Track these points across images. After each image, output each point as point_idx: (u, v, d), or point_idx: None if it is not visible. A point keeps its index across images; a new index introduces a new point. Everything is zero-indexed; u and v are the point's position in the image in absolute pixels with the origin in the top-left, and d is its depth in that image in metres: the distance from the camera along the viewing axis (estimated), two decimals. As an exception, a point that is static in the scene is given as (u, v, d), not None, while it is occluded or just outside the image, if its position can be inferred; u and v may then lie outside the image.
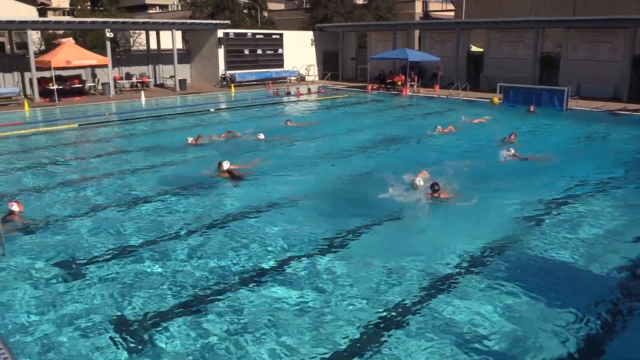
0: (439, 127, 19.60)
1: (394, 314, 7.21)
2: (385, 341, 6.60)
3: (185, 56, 38.97)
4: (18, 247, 9.37)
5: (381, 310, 7.27)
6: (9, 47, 35.22)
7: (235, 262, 8.83)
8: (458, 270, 8.49)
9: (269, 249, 9.31)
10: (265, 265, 8.66)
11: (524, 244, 9.56)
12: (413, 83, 34.04)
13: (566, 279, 8.34)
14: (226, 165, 13.51)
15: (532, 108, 24.88)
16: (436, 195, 11.25)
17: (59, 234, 10.04)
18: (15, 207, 10.30)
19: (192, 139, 17.88)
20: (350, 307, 7.37)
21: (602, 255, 9.05)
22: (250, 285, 8.01)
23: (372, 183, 12.72)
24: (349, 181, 13.71)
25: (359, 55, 42.40)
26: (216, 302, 7.55)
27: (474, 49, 37.44)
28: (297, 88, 34.67)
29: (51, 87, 29.32)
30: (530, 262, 8.83)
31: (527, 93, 26.68)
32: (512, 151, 15.43)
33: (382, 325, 6.95)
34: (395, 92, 33.46)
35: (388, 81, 35.27)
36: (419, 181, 11.79)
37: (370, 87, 34.97)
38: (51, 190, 13.10)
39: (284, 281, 8.09)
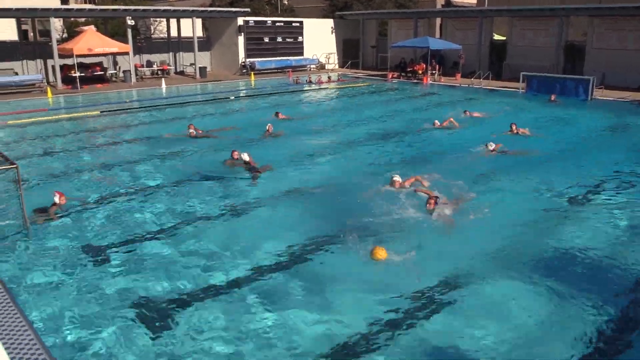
0: (437, 121, 18.83)
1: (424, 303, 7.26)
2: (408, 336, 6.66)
3: (205, 44, 39.12)
4: (42, 229, 9.60)
5: (395, 309, 7.29)
6: (32, 34, 35.65)
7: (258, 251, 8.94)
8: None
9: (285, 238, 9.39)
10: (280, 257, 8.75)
11: (538, 242, 9.43)
12: (434, 72, 33.75)
13: (590, 275, 8.28)
14: (246, 156, 13.58)
15: (553, 97, 24.54)
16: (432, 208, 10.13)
17: (79, 219, 10.26)
18: (57, 199, 10.36)
19: (192, 129, 17.55)
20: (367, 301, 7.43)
21: (625, 250, 8.95)
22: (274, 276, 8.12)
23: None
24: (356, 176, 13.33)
25: (380, 44, 42.12)
26: (241, 290, 7.67)
27: (496, 37, 36.97)
28: (319, 76, 34.61)
29: (73, 75, 29.69)
30: (546, 262, 8.77)
31: (550, 82, 26.31)
32: (493, 146, 14.89)
33: (398, 324, 7.00)
34: (415, 81, 33.22)
35: (409, 69, 35.02)
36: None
37: (390, 76, 34.76)
38: (73, 177, 13.35)
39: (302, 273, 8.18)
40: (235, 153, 13.93)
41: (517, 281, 7.81)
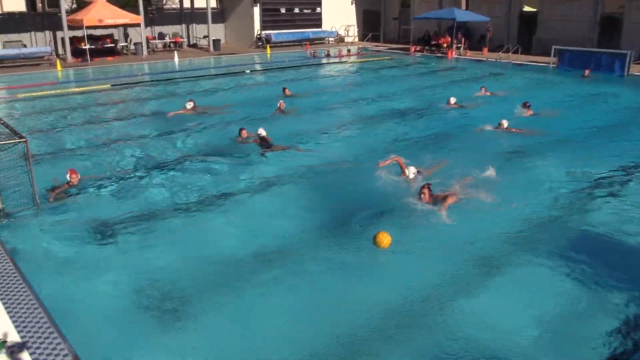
0: (452, 98, 18.23)
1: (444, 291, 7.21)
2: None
3: (220, 15, 38.88)
4: (52, 206, 9.71)
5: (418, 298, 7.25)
6: (40, 5, 35.72)
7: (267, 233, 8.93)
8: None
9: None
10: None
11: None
12: (460, 45, 33.22)
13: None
14: (263, 132, 13.52)
15: (586, 73, 24.02)
16: (426, 197, 9.54)
17: (89, 197, 10.35)
18: (69, 177, 10.34)
19: (191, 104, 17.34)
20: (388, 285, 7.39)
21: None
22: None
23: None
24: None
25: (402, 15, 41.47)
26: (254, 272, 7.68)
27: (526, 8, 36.11)
28: (340, 50, 34.28)
29: (83, 47, 29.79)
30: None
31: (584, 57, 25.71)
32: (505, 124, 14.68)
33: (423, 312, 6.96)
34: (440, 55, 32.76)
35: (433, 43, 34.53)
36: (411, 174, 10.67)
37: (413, 49, 34.30)
38: (83, 152, 13.44)
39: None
40: (244, 131, 13.86)
41: (544, 268, 7.70)
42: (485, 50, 32.23)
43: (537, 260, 7.86)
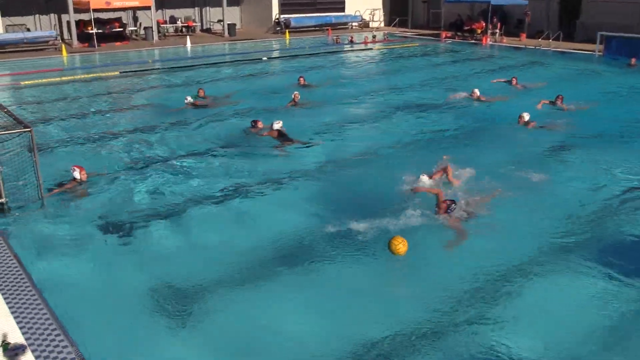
0: (476, 90, 17.91)
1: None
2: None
3: (235, -3, 39.06)
4: (58, 200, 9.83)
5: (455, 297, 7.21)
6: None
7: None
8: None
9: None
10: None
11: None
12: (495, 31, 32.86)
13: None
14: (277, 125, 13.53)
15: (633, 61, 23.58)
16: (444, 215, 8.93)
17: (96, 187, 10.48)
18: (77, 175, 10.41)
19: (190, 97, 17.21)
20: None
21: None
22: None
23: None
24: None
25: (432, -2, 41.24)
26: (270, 272, 7.71)
27: (569, -9, 35.65)
28: (365, 36, 34.18)
29: (90, 31, 30.11)
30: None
31: (634, 44, 25.24)
32: (526, 118, 14.40)
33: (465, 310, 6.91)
34: (473, 42, 32.46)
35: (466, 28, 34.22)
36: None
37: (444, 35, 34.04)
38: (90, 143, 13.59)
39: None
40: (259, 123, 13.89)
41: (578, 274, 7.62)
42: (523, 36, 31.85)
43: (575, 268, 7.74)
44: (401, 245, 7.55)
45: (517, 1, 32.76)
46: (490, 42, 31.76)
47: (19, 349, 5.56)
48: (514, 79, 20.04)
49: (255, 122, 14.04)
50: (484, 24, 32.78)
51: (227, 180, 11.06)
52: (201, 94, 17.47)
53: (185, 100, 16.88)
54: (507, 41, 31.93)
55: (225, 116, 16.09)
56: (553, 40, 29.63)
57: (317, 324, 6.60)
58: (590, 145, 13.10)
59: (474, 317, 6.66)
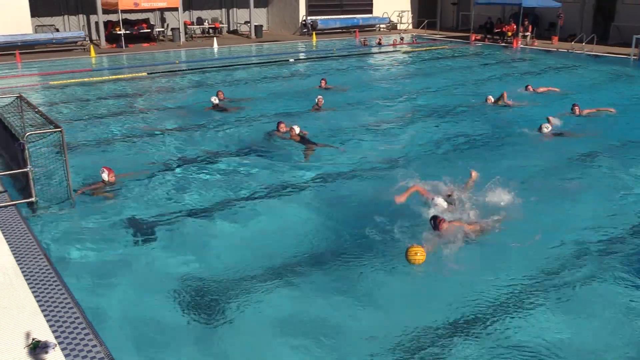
0: (490, 97, 17.60)
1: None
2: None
3: (262, -1, 39.30)
4: (87, 199, 10.00)
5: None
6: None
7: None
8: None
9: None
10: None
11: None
12: (527, 34, 32.57)
13: None
14: (297, 129, 13.51)
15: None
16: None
17: (124, 189, 10.60)
18: (105, 176, 10.50)
19: (217, 98, 17.19)
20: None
21: None
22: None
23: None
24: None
25: (462, 0, 40.96)
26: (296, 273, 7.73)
27: (604, -7, 35.17)
28: (394, 39, 34.14)
29: (118, 32, 30.51)
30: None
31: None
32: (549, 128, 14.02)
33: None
34: (504, 44, 32.19)
35: (496, 31, 33.96)
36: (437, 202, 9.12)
37: (473, 38, 33.84)
38: (118, 144, 13.78)
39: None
40: (283, 125, 13.85)
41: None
42: (556, 39, 31.52)
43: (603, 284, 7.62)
44: (419, 255, 7.41)
45: (549, 4, 32.42)
46: (522, 45, 31.47)
47: (49, 347, 5.64)
48: (528, 86, 19.48)
49: (278, 124, 14.04)
50: (514, 27, 32.48)
51: (250, 182, 11.13)
52: (220, 96, 17.47)
53: (212, 100, 16.99)
54: (538, 44, 31.62)
55: (250, 118, 16.16)
56: (586, 43, 29.23)
57: (340, 327, 6.60)
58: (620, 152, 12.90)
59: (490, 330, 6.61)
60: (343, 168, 11.98)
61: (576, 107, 15.83)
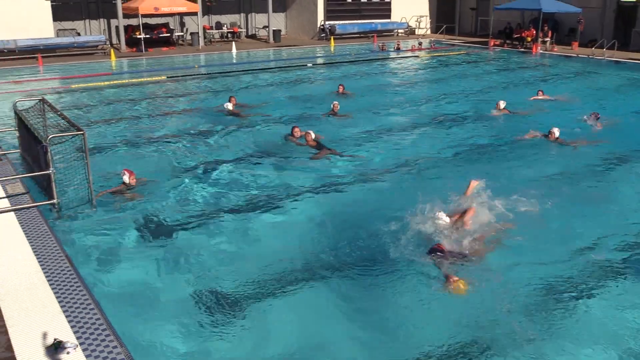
0: (502, 102, 17.10)
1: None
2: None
3: (281, 4, 39.39)
4: (108, 202, 10.12)
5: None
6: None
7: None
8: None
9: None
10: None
11: None
12: (546, 39, 32.37)
13: None
14: (312, 134, 13.45)
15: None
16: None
17: (144, 192, 10.68)
18: (126, 179, 10.56)
19: (230, 104, 17.21)
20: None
21: None
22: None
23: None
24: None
25: (481, 5, 40.81)
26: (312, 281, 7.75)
27: (624, -2, 34.86)
28: (413, 44, 34.12)
29: (138, 36, 30.83)
30: None
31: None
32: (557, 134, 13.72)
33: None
34: (523, 50, 32.03)
35: (515, 36, 33.79)
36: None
37: (492, 43, 33.69)
38: (137, 147, 13.91)
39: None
40: (297, 130, 13.81)
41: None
42: (576, 45, 31.26)
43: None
44: (460, 285, 7.19)
45: (569, 9, 32.20)
46: (541, 51, 31.28)
47: (70, 347, 5.71)
48: (539, 91, 19.14)
49: (293, 129, 14.00)
50: (534, 32, 32.30)
51: (265, 187, 11.17)
52: (233, 102, 17.41)
53: (225, 106, 17.05)
54: (558, 49, 31.41)
55: (265, 123, 16.19)
56: (607, 49, 28.98)
57: (354, 336, 6.59)
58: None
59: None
60: (358, 174, 11.93)
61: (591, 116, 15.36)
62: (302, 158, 12.95)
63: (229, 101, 17.34)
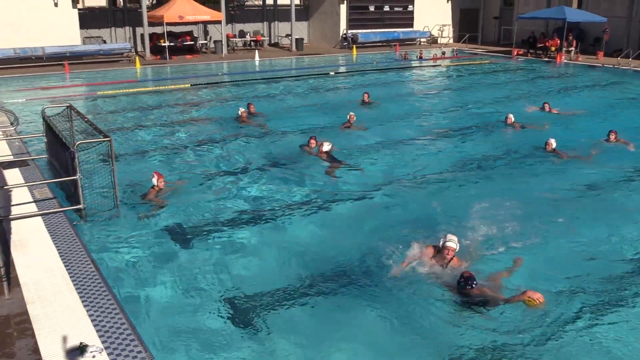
0: (511, 115, 16.71)
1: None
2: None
3: (303, 13, 39.61)
4: (133, 205, 10.28)
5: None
6: (121, 0, 37.76)
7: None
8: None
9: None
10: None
11: None
12: (571, 49, 32.08)
13: None
14: (327, 147, 13.29)
15: None
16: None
17: (170, 200, 10.76)
18: (155, 181, 10.69)
19: (243, 110, 17.32)
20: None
21: None
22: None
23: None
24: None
25: (504, 14, 40.63)
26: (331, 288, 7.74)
27: (651, 8, 34.47)
28: (434, 54, 34.12)
29: (162, 44, 31.17)
30: None
31: None
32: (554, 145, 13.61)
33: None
34: (547, 59, 31.77)
35: (539, 45, 33.53)
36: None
37: (516, 53, 33.48)
38: (161, 154, 14.05)
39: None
40: (313, 141, 13.68)
41: None
42: (601, 54, 30.95)
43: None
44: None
45: (594, 18, 31.90)
46: (565, 60, 31.01)
47: (96, 352, 5.77)
48: (545, 104, 18.48)
49: (310, 139, 13.87)
50: (558, 41, 32.03)
51: (277, 194, 11.24)
52: (252, 109, 17.51)
53: (240, 113, 17.11)
54: (583, 59, 31.10)
55: (281, 131, 16.16)
56: (633, 59, 28.63)
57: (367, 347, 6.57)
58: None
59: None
60: (367, 187, 11.73)
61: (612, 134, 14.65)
62: (313, 169, 12.82)
63: (247, 108, 17.47)
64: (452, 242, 7.93)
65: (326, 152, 13.30)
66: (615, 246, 9.07)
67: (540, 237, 9.21)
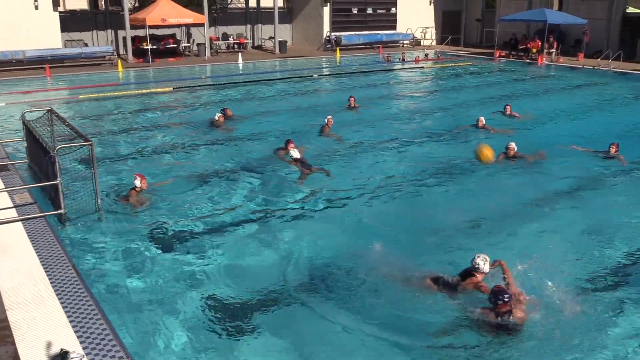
0: (482, 118, 16.44)
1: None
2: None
3: (287, 15, 39.61)
4: (114, 208, 10.21)
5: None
6: (102, 3, 37.46)
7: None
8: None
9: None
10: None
11: None
12: (552, 50, 32.39)
13: None
14: (296, 153, 12.96)
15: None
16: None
17: (152, 199, 10.76)
18: (137, 182, 10.63)
19: (220, 114, 17.02)
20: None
21: None
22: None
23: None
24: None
25: (486, 17, 40.94)
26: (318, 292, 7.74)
27: (630, 10, 34.86)
28: (417, 56, 34.26)
29: (145, 47, 31.00)
30: None
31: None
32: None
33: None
34: (528, 61, 32.03)
35: (521, 47, 33.81)
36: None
37: (497, 54, 33.75)
38: (145, 157, 13.96)
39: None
40: (291, 145, 13.36)
41: None
42: (581, 56, 31.31)
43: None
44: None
45: (575, 20, 32.27)
46: (546, 62, 31.30)
47: (77, 358, 5.71)
48: (507, 106, 18.23)
49: (287, 143, 13.53)
50: (539, 43, 32.32)
51: (252, 201, 11.13)
52: (228, 113, 17.35)
53: (216, 117, 16.87)
54: (563, 61, 31.44)
55: (256, 135, 16.03)
56: (613, 60, 28.97)
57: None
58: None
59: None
60: (344, 192, 11.61)
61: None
62: (284, 174, 12.71)
63: (223, 112, 17.23)
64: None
65: (297, 159, 12.90)
66: (613, 245, 9.20)
67: (516, 237, 9.32)
